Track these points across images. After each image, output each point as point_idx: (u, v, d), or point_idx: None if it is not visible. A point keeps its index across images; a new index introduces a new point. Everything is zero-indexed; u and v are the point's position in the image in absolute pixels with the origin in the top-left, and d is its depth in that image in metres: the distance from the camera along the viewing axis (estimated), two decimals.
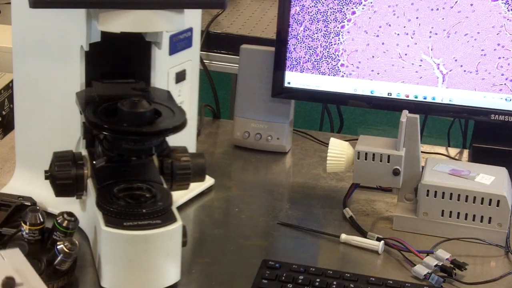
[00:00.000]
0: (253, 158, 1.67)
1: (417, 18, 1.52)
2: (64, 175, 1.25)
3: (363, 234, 1.40)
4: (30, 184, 1.41)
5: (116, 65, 1.35)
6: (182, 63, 1.43)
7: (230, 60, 2.01)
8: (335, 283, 1.24)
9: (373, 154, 1.41)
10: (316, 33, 1.57)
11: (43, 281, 0.97)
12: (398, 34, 1.54)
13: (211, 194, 1.52)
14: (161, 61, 1.37)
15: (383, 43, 1.55)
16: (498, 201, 1.37)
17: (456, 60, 1.53)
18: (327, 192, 1.55)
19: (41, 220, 1.22)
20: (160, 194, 1.24)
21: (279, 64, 1.61)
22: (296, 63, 1.60)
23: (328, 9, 1.55)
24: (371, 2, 1.53)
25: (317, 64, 1.59)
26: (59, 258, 1.16)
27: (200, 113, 1.71)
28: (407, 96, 1.58)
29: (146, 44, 1.33)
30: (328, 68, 1.59)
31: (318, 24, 1.56)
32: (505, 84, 1.53)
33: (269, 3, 2.28)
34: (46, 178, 1.27)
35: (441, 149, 1.75)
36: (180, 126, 1.23)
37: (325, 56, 1.58)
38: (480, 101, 1.55)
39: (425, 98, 1.57)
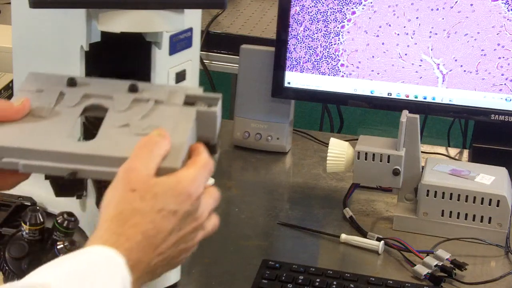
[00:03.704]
0: (253, 158, 1.67)
1: (417, 18, 1.52)
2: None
3: (363, 234, 1.40)
4: (30, 184, 1.41)
5: (116, 65, 1.35)
6: (182, 63, 1.43)
7: (230, 60, 2.01)
8: (335, 283, 1.24)
9: (373, 154, 1.41)
10: (316, 33, 1.57)
11: None
12: (398, 34, 1.54)
13: None
14: (161, 61, 1.37)
15: (383, 43, 1.55)
16: (498, 201, 1.37)
17: (456, 60, 1.53)
18: (327, 192, 1.55)
19: (41, 220, 1.22)
20: None
21: (279, 64, 1.61)
22: (296, 63, 1.60)
23: (328, 9, 1.55)
24: (371, 2, 1.53)
25: (317, 64, 1.59)
26: None
27: None
28: (407, 96, 1.58)
29: (146, 44, 1.33)
30: (328, 68, 1.58)
31: (318, 24, 1.56)
32: (505, 84, 1.53)
33: (269, 3, 2.28)
34: (46, 178, 1.26)
35: (441, 149, 1.75)
36: None
37: (325, 56, 1.58)
38: (480, 101, 1.55)
39: (425, 98, 1.57)
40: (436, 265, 1.30)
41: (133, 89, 0.99)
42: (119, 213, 0.83)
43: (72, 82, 1.01)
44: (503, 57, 1.52)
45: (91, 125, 0.98)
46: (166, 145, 0.87)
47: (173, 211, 0.83)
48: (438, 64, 1.54)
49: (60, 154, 0.91)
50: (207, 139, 0.95)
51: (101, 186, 1.24)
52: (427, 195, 1.40)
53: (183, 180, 0.84)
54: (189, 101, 0.98)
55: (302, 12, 1.56)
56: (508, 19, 1.49)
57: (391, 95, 1.58)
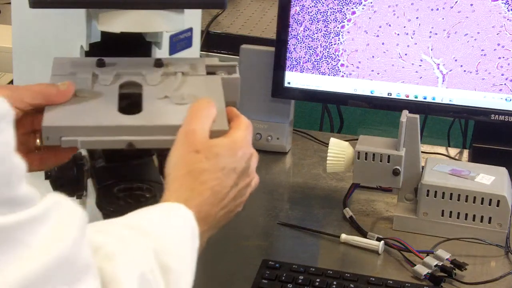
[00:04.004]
0: None
1: (417, 18, 1.52)
2: (64, 175, 1.25)
3: (363, 234, 1.40)
4: (30, 184, 1.41)
5: None
6: None
7: (230, 60, 2.00)
8: (335, 283, 1.24)
9: (373, 154, 1.41)
10: (316, 33, 1.57)
11: None
12: (398, 34, 1.54)
13: None
14: None
15: (383, 43, 1.55)
16: (498, 201, 1.37)
17: (456, 60, 1.53)
18: (327, 192, 1.55)
19: None
20: (160, 194, 1.23)
21: (279, 64, 1.61)
22: (296, 63, 1.60)
23: (328, 9, 1.55)
24: (371, 2, 1.53)
25: (317, 64, 1.59)
26: None
27: None
28: (407, 96, 1.58)
29: (146, 44, 1.33)
30: (328, 68, 1.58)
31: (318, 24, 1.56)
32: (505, 84, 1.53)
33: (269, 3, 2.28)
34: (46, 178, 1.26)
35: (441, 149, 1.75)
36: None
37: (325, 56, 1.58)
38: (480, 101, 1.55)
39: (425, 98, 1.57)
40: (436, 265, 1.30)
41: (159, 64, 1.07)
42: (189, 172, 0.93)
43: (101, 63, 1.07)
44: (503, 57, 1.52)
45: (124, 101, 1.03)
46: (214, 111, 0.97)
47: (233, 169, 0.95)
48: (438, 64, 1.54)
49: (116, 128, 0.96)
50: (232, 104, 1.03)
51: (101, 186, 1.24)
52: (427, 195, 1.40)
53: (237, 140, 0.96)
54: (210, 70, 1.07)
55: (302, 12, 1.57)
56: (508, 19, 1.49)
57: (391, 95, 1.58)
